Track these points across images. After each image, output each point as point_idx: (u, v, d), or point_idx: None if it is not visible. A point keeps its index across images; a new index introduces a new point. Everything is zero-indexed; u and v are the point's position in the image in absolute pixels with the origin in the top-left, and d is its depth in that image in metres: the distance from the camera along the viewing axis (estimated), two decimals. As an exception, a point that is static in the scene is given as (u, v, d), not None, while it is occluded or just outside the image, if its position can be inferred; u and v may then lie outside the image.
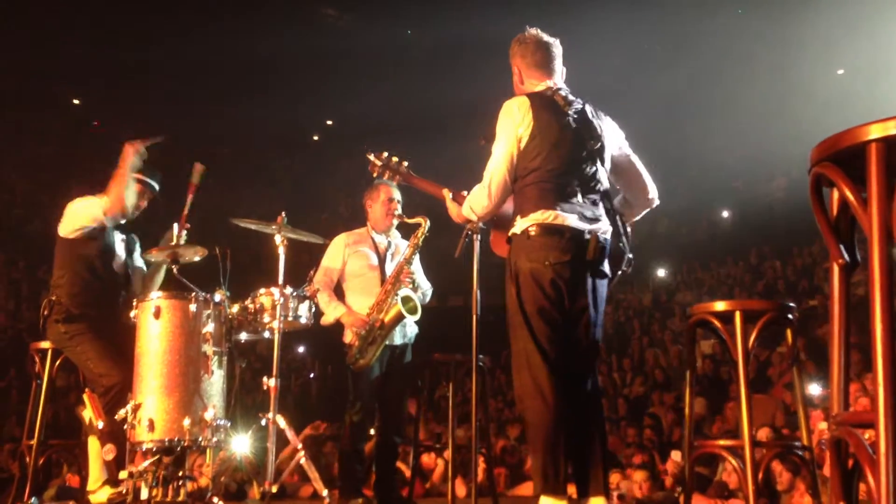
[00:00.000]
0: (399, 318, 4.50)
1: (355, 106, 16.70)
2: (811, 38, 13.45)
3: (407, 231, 4.82)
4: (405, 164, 3.77)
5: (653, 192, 3.43)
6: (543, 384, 2.98)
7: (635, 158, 3.40)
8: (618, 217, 3.30)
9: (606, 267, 3.19)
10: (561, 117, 3.13)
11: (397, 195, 4.76)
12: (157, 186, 4.40)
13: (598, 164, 3.18)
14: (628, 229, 3.38)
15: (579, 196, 3.09)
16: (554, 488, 2.93)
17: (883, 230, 1.51)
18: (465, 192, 3.44)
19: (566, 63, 3.36)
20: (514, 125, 3.11)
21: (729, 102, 14.32)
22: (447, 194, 3.51)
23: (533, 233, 3.05)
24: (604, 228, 3.14)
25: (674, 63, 14.47)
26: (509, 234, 3.18)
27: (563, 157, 3.08)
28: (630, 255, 3.32)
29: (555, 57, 3.31)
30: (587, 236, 3.06)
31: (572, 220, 3.05)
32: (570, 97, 3.22)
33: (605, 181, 3.22)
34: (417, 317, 4.57)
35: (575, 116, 3.17)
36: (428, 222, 4.53)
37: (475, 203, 3.23)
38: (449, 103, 14.04)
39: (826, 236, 1.71)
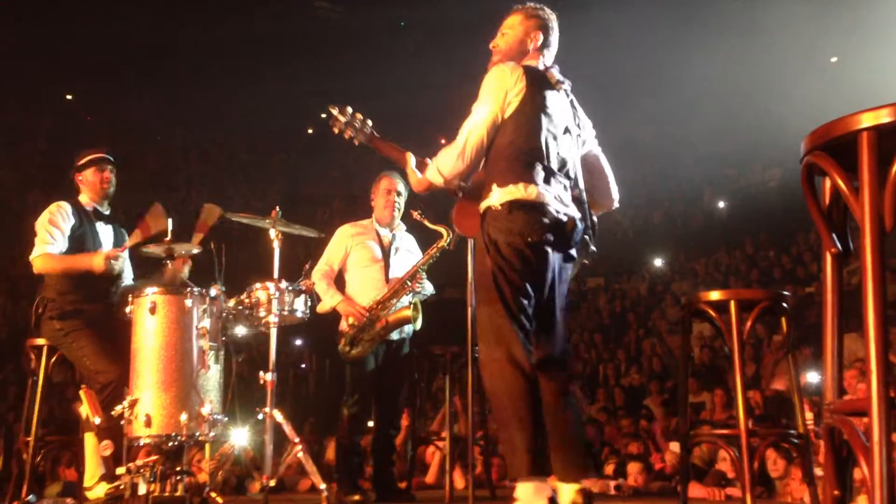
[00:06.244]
0: (404, 322, 4.50)
1: (350, 97, 16.64)
2: (804, 26, 13.45)
3: (416, 227, 4.74)
4: (369, 123, 3.42)
5: (615, 194, 3.32)
6: (520, 358, 2.79)
7: (603, 159, 3.30)
8: (586, 206, 3.14)
9: (575, 251, 3.07)
10: (551, 96, 3.04)
11: (399, 187, 4.70)
12: (108, 157, 4.39)
13: (575, 151, 3.11)
14: (595, 220, 3.21)
15: (556, 178, 2.98)
16: (541, 467, 2.71)
17: (875, 219, 1.51)
18: (428, 160, 3.20)
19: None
20: (503, 89, 2.96)
21: (723, 91, 14.31)
22: (410, 159, 3.24)
23: (514, 207, 2.89)
24: (574, 214, 3.02)
25: (666, 53, 14.45)
26: (483, 206, 2.99)
27: (546, 136, 2.97)
28: (594, 248, 3.14)
29: (557, 37, 3.23)
30: (564, 218, 2.96)
31: (551, 200, 2.93)
32: (560, 77, 3.13)
33: (577, 169, 3.11)
34: (418, 327, 4.56)
35: (564, 97, 3.10)
36: (450, 235, 4.36)
37: (444, 164, 3.02)
38: (443, 92, 14.01)
39: (818, 225, 1.72)
